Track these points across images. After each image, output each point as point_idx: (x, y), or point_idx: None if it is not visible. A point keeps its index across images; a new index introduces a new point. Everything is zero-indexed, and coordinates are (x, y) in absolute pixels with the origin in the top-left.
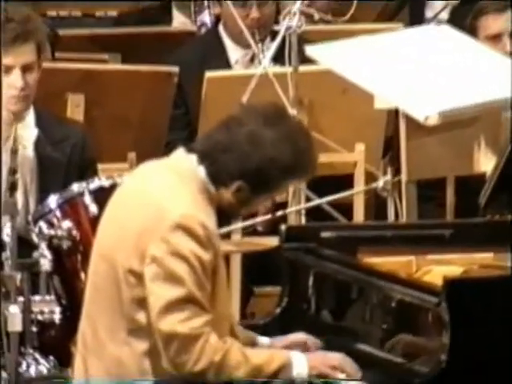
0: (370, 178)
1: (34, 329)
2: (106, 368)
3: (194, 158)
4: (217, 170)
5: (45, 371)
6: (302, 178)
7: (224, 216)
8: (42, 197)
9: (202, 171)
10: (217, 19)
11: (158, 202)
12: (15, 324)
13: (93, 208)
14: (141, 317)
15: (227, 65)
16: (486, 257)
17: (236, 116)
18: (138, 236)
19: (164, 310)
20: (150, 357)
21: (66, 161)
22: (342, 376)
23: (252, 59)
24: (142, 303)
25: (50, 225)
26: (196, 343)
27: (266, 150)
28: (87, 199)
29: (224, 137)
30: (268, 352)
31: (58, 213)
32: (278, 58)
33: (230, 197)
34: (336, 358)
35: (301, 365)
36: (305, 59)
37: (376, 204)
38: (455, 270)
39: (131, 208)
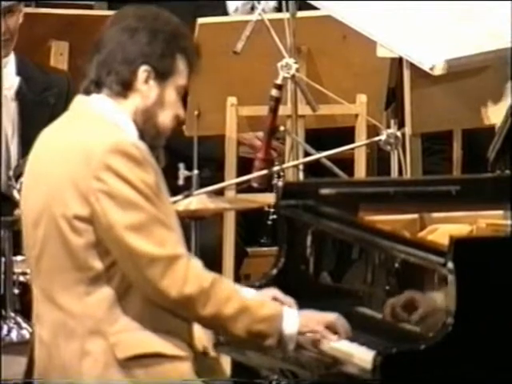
0: (372, 131)
1: (16, 291)
2: (72, 330)
3: (92, 95)
4: (115, 75)
5: (27, 336)
6: (187, 51)
7: (149, 136)
8: (24, 151)
9: (104, 98)
10: None
11: (81, 145)
12: None
13: None
14: (97, 262)
15: (224, 14)
16: (495, 214)
17: (97, 39)
18: (73, 181)
19: (134, 236)
20: (119, 300)
21: (49, 112)
22: (333, 337)
23: (253, 8)
24: (96, 247)
25: None
26: (177, 264)
27: (143, 30)
28: None
29: (100, 54)
30: (260, 298)
31: None
32: (281, 9)
33: (142, 99)
34: (330, 317)
35: (292, 320)
36: (303, 4)
37: (378, 159)
38: (462, 229)
39: (52, 167)
